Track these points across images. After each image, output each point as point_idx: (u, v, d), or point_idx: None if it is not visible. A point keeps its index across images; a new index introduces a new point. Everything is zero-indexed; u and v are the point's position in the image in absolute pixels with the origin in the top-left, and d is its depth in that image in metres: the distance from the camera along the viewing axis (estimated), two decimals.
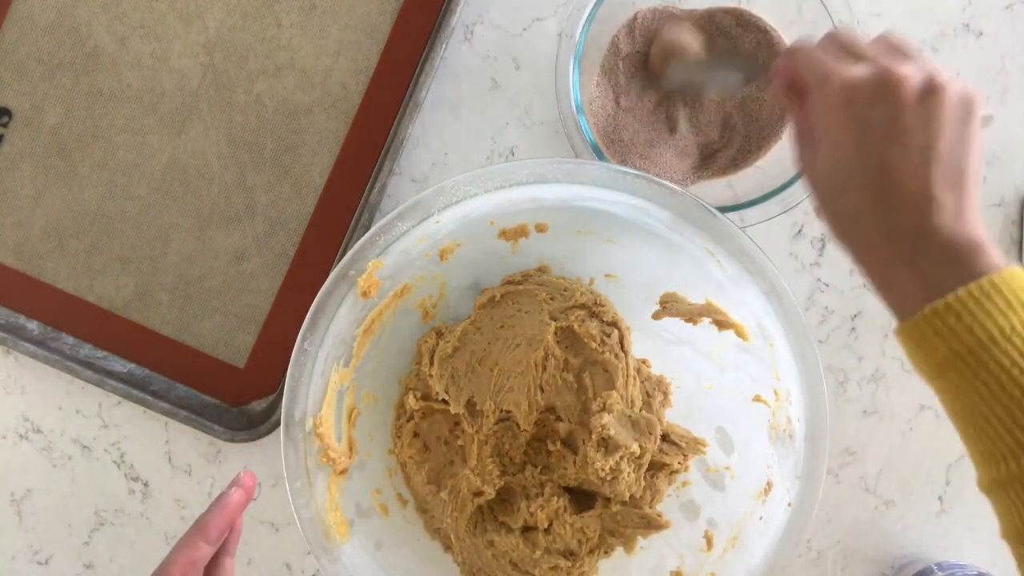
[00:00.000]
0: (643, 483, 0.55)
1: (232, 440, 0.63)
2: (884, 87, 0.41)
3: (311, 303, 0.51)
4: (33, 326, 0.64)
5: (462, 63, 0.64)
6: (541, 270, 0.58)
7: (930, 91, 0.42)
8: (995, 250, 0.40)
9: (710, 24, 0.61)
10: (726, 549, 0.54)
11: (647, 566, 0.57)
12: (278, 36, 0.63)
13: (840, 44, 0.44)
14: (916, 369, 0.43)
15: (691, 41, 0.59)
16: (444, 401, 0.56)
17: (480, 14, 0.63)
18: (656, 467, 0.57)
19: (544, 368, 0.55)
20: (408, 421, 0.58)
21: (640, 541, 0.56)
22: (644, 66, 0.62)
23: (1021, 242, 0.64)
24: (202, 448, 0.65)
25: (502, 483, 0.56)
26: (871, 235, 0.42)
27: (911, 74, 0.42)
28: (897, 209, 0.41)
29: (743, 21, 0.61)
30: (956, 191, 0.41)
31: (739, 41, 0.61)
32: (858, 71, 0.42)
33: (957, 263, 0.40)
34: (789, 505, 0.51)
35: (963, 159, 0.41)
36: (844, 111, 0.42)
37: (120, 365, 0.64)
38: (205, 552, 0.47)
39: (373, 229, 0.50)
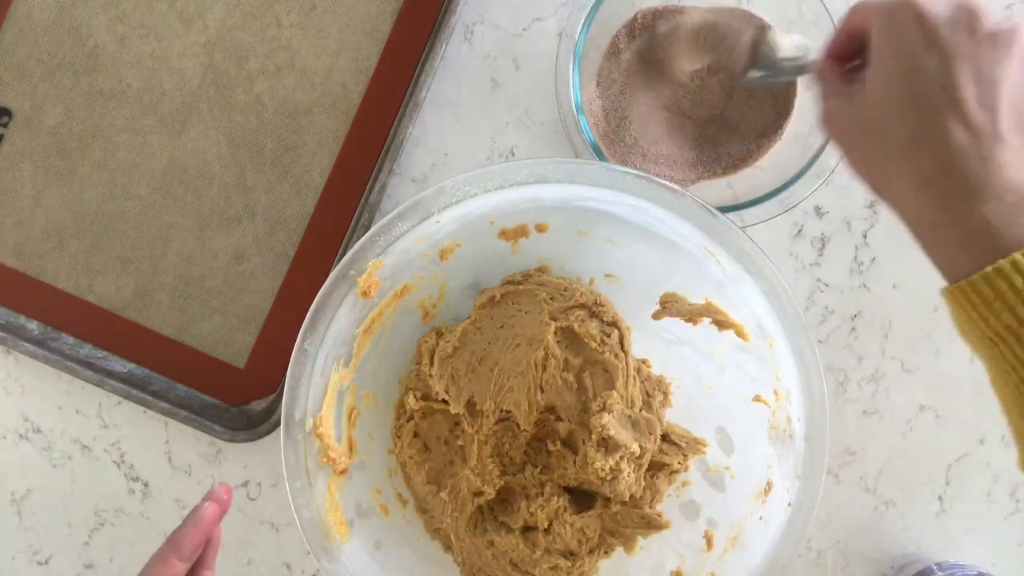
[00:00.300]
0: (643, 483, 0.55)
1: (232, 440, 0.63)
2: (962, 10, 0.39)
3: (311, 303, 0.51)
4: (33, 326, 0.64)
5: (462, 63, 0.64)
6: (541, 270, 0.58)
7: (1009, 31, 0.39)
8: None
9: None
10: (726, 549, 0.54)
11: (647, 566, 0.57)
12: (278, 36, 0.63)
13: None
14: (963, 335, 0.39)
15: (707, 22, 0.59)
16: (444, 401, 0.56)
17: (480, 14, 0.63)
18: (656, 467, 0.57)
19: (544, 368, 0.55)
20: (408, 421, 0.58)
21: (640, 541, 0.56)
22: (644, 66, 0.62)
23: None
24: (202, 448, 0.65)
25: (502, 483, 0.56)
26: (922, 174, 0.38)
27: (988, 15, 0.39)
28: (958, 143, 0.38)
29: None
30: (1022, 131, 0.38)
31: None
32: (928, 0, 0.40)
33: (1021, 211, 0.36)
34: (789, 505, 0.51)
35: None
36: (914, 29, 0.39)
37: (120, 365, 0.64)
38: (179, 569, 0.46)
39: (373, 229, 0.50)
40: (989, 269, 0.36)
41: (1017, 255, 0.35)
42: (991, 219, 0.36)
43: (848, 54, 0.46)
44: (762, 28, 0.57)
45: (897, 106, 0.39)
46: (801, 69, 0.54)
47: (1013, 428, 0.39)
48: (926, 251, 0.40)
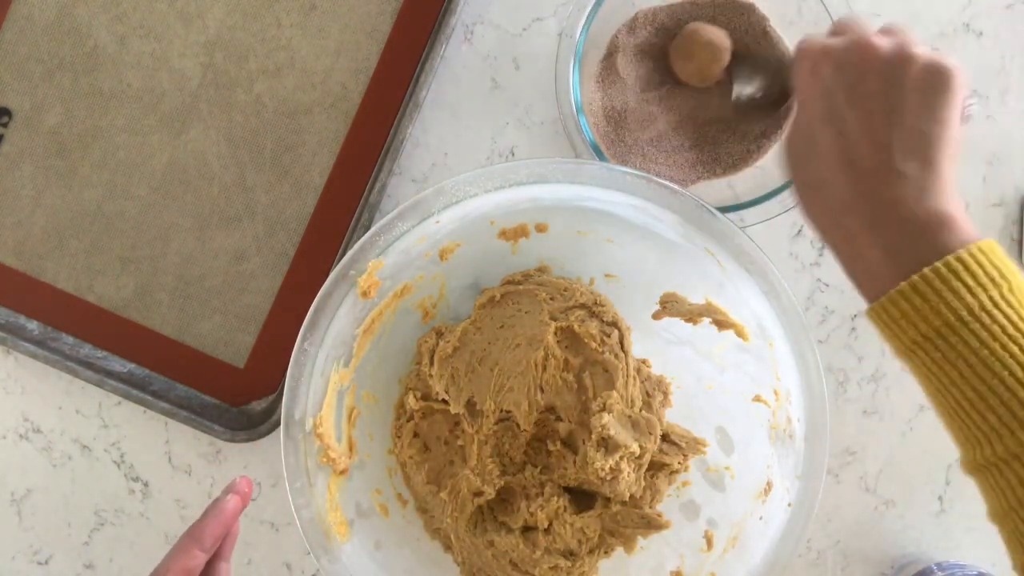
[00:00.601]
0: (643, 483, 0.55)
1: (232, 440, 0.63)
2: (853, 52, 0.41)
3: (311, 303, 0.51)
4: (33, 326, 0.64)
5: (462, 63, 0.64)
6: (541, 270, 0.58)
7: (898, 58, 0.41)
8: (966, 224, 0.39)
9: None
10: (726, 549, 0.54)
11: (647, 566, 0.57)
12: (278, 36, 0.63)
13: (839, 26, 0.45)
14: (890, 349, 0.42)
15: (723, 38, 0.59)
16: (444, 401, 0.56)
17: (480, 14, 0.63)
18: (656, 467, 0.57)
19: (544, 368, 0.55)
20: (408, 421, 0.58)
21: (640, 541, 0.56)
22: (644, 66, 0.62)
23: (1021, 242, 0.64)
24: (202, 448, 0.65)
25: (502, 483, 0.56)
26: (835, 206, 0.41)
27: (883, 43, 0.41)
28: (859, 178, 0.40)
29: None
30: (921, 161, 0.39)
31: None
32: (834, 40, 0.43)
33: (921, 239, 0.39)
34: (789, 505, 0.51)
35: (930, 129, 0.39)
36: (813, 75, 0.42)
37: (120, 365, 0.64)
38: (200, 560, 0.46)
39: (373, 229, 0.50)
40: (893, 291, 0.39)
41: (915, 278, 0.38)
42: (885, 255, 0.40)
43: None
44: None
45: (808, 150, 0.43)
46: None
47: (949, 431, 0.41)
48: (850, 275, 0.43)
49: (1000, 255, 0.39)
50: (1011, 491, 0.38)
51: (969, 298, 0.37)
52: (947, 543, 0.64)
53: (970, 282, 0.37)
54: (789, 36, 0.60)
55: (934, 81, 0.40)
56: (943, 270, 0.38)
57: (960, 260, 0.38)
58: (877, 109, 0.40)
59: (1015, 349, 0.37)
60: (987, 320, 0.37)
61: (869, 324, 0.42)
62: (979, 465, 0.39)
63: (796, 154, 0.44)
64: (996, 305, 0.37)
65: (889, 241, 0.40)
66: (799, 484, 0.51)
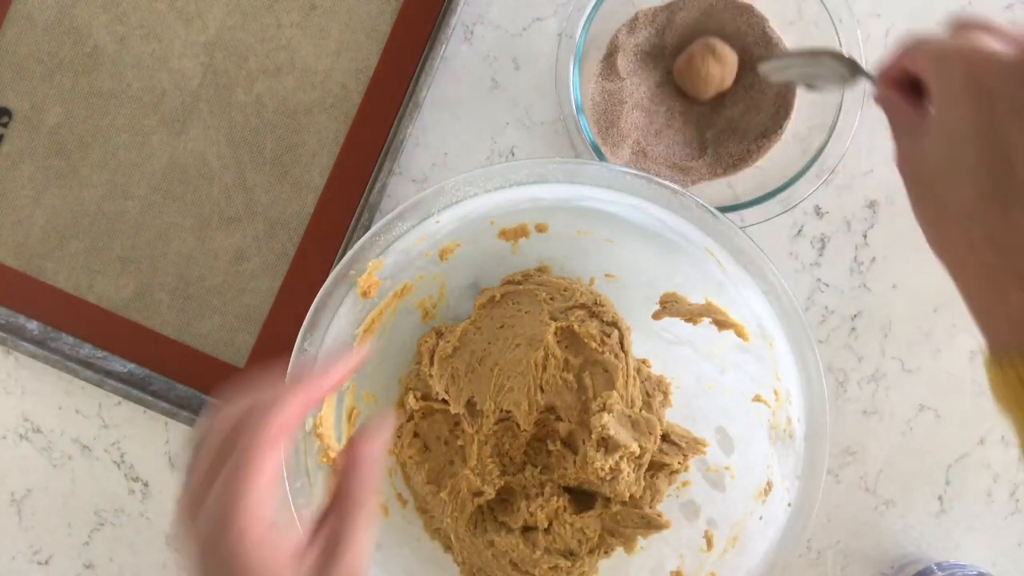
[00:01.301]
0: (643, 483, 0.55)
1: None
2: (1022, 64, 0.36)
3: (311, 303, 0.51)
4: (33, 326, 0.64)
5: (462, 63, 0.64)
6: (541, 270, 0.58)
7: None
8: None
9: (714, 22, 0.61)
10: (726, 549, 0.54)
11: (647, 566, 0.57)
12: (278, 36, 0.63)
13: (975, 25, 0.39)
14: (1005, 407, 0.38)
15: (728, 55, 0.59)
16: (444, 401, 0.56)
17: (480, 14, 0.63)
18: (656, 467, 0.57)
19: (544, 368, 0.55)
20: (408, 421, 0.58)
21: (640, 541, 0.56)
22: (644, 65, 0.62)
23: None
24: None
25: (502, 483, 0.56)
26: (979, 239, 0.37)
27: None
28: (1017, 206, 0.36)
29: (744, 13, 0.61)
30: None
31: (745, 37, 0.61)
32: (993, 45, 0.37)
33: None
34: (789, 505, 0.51)
35: None
36: (970, 86, 0.36)
37: (120, 365, 0.64)
38: (300, 416, 0.37)
39: (373, 229, 0.50)
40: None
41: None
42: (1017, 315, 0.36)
43: (902, 85, 0.43)
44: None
45: (949, 173, 0.38)
46: (843, 77, 0.51)
47: None
48: (974, 317, 0.39)
49: None
50: None
51: None
52: (947, 543, 0.64)
53: None
54: (788, 36, 0.61)
55: None
56: None
57: None
58: None
59: None
60: None
61: (990, 378, 0.38)
62: None
63: (933, 175, 0.38)
64: None
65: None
66: (799, 484, 0.51)
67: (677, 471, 0.57)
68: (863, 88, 0.57)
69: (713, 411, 0.58)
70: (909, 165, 0.41)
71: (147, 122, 0.63)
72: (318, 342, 0.51)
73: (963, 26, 0.39)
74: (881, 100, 0.44)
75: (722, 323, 0.54)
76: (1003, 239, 0.36)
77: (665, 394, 0.58)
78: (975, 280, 0.38)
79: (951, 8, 0.63)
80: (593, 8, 0.57)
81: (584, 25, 0.57)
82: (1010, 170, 0.36)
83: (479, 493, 0.55)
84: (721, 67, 0.58)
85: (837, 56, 0.50)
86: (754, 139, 0.62)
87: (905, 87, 0.42)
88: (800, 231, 0.64)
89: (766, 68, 0.53)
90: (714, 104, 0.62)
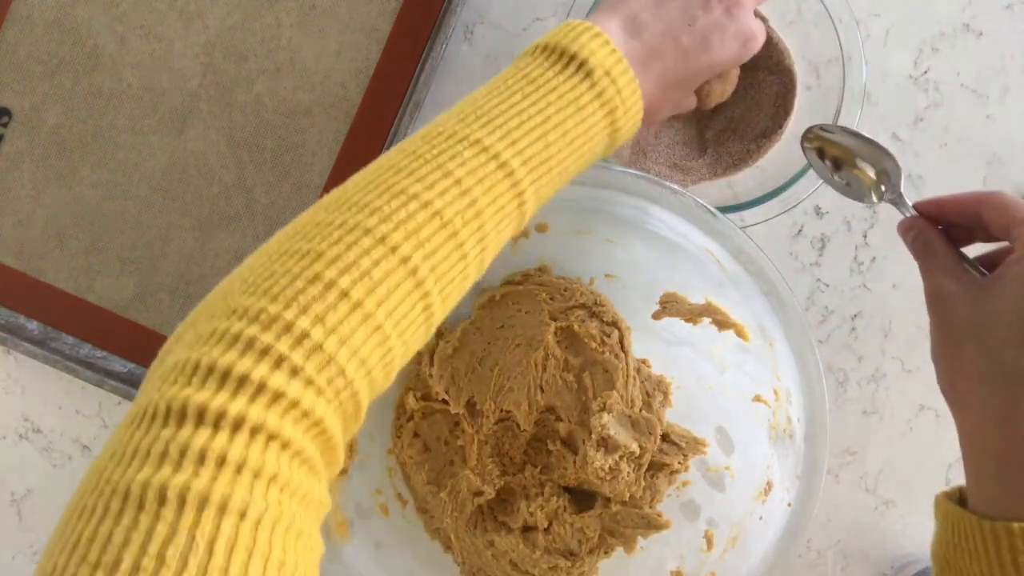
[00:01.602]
0: (643, 483, 0.55)
1: None
2: None
3: None
4: (33, 326, 0.64)
5: (462, 63, 0.64)
6: (541, 270, 0.58)
7: None
8: None
9: None
10: (726, 549, 0.54)
11: (647, 566, 0.57)
12: (278, 36, 0.63)
13: None
14: (949, 554, 0.40)
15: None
16: (444, 401, 0.56)
17: (480, 14, 0.63)
18: (656, 467, 0.57)
19: (544, 368, 0.55)
20: (408, 421, 0.58)
21: (640, 541, 0.56)
22: None
23: None
24: None
25: (502, 483, 0.56)
26: (1010, 414, 0.38)
27: None
28: None
29: None
30: None
31: None
32: None
33: None
34: (789, 505, 0.51)
35: None
36: None
37: (120, 365, 0.64)
38: None
39: None
40: (1015, 526, 0.36)
41: None
42: None
43: (945, 223, 0.45)
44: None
45: (1019, 336, 0.38)
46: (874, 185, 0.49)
47: None
48: (967, 469, 0.40)
49: None
50: None
51: None
52: None
53: None
54: (788, 36, 0.61)
55: None
56: None
57: None
58: None
59: None
60: None
61: (938, 514, 0.41)
62: None
63: (996, 335, 0.39)
64: None
65: None
66: (799, 484, 0.51)
67: (677, 471, 0.57)
68: (863, 88, 0.57)
69: (713, 411, 0.58)
70: (948, 312, 0.41)
71: (147, 122, 0.63)
72: None
73: None
74: (918, 233, 0.45)
75: (722, 323, 0.54)
76: None
77: (665, 394, 0.58)
78: (986, 442, 0.39)
79: (950, 7, 0.63)
80: (593, 8, 0.57)
81: None
82: None
83: (479, 493, 0.55)
84: (722, 83, 0.58)
85: (890, 161, 0.48)
86: (754, 139, 0.62)
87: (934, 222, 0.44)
88: (800, 231, 0.64)
89: (822, 132, 0.51)
90: (715, 105, 0.62)
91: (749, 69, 0.61)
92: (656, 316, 0.56)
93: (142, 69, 0.63)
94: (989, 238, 0.43)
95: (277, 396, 0.31)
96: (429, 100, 0.63)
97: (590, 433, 0.54)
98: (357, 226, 0.35)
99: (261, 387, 0.31)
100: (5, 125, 0.63)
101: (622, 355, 0.55)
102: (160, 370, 0.32)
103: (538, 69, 0.42)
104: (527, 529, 0.56)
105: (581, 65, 0.42)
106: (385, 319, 0.34)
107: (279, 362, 0.31)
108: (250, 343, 0.31)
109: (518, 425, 0.56)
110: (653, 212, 0.51)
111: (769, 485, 0.53)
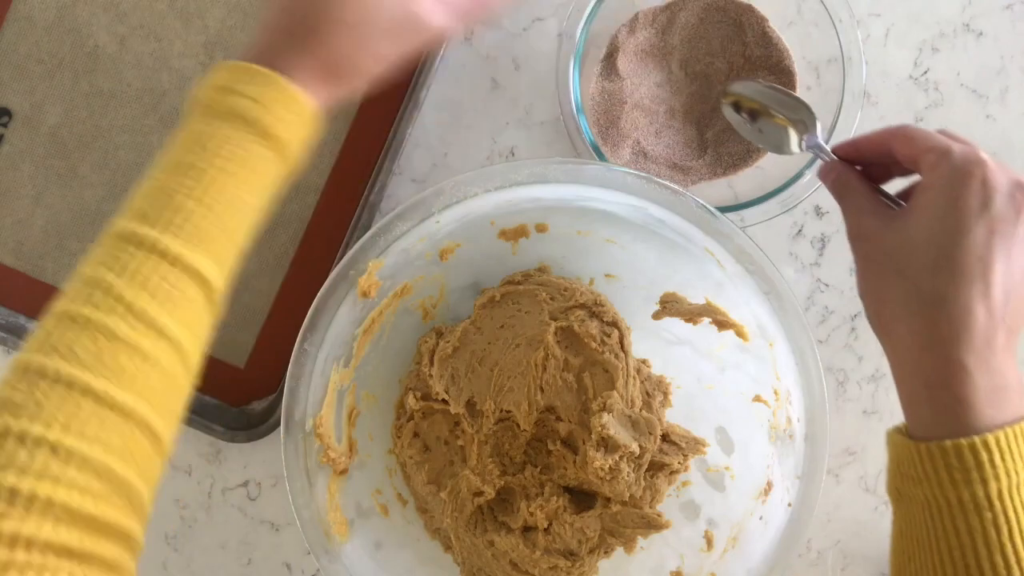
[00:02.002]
0: (643, 483, 0.55)
1: (232, 440, 0.63)
2: (1018, 187, 0.40)
3: (311, 303, 0.51)
4: (33, 326, 0.64)
5: (462, 63, 0.64)
6: (541, 270, 0.58)
7: None
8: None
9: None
10: (726, 549, 0.54)
11: (647, 566, 0.57)
12: None
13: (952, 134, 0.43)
14: (899, 484, 0.42)
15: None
16: (444, 401, 0.56)
17: None
18: (656, 467, 0.57)
19: (544, 368, 0.55)
20: (408, 421, 0.58)
21: (640, 541, 0.56)
22: (645, 66, 0.62)
23: None
24: (202, 448, 0.65)
25: (502, 483, 0.56)
26: (931, 335, 0.40)
27: None
28: (976, 319, 0.39)
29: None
30: (1019, 321, 0.40)
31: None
32: (998, 163, 0.41)
33: (1003, 396, 0.39)
34: (789, 505, 0.51)
35: None
36: (976, 191, 0.39)
37: None
38: None
39: (373, 229, 0.50)
40: (964, 442, 0.38)
41: (990, 437, 0.38)
42: (975, 397, 0.39)
43: (862, 162, 0.47)
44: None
45: (934, 261, 0.40)
46: (793, 137, 0.52)
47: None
48: (901, 394, 0.42)
49: None
50: None
51: (1019, 472, 0.38)
52: None
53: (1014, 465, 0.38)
54: (788, 36, 0.61)
55: None
56: (1013, 436, 0.38)
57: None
58: (1015, 258, 0.40)
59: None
60: (1019, 499, 0.38)
61: (889, 449, 0.42)
62: None
63: (904, 260, 0.41)
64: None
65: (974, 387, 0.39)
66: (799, 484, 0.51)
67: (677, 471, 0.57)
68: (863, 88, 0.57)
69: (713, 411, 0.58)
70: (869, 246, 0.43)
71: (147, 122, 0.63)
72: (318, 342, 0.51)
73: (945, 133, 0.43)
74: (837, 175, 0.47)
75: (722, 323, 0.54)
76: (959, 331, 0.39)
77: (665, 394, 0.58)
78: (916, 365, 0.41)
79: (950, 7, 0.63)
80: (593, 8, 0.57)
81: (584, 25, 0.57)
82: (985, 275, 0.39)
83: (479, 493, 0.55)
84: None
85: (805, 110, 0.51)
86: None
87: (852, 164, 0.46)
88: (800, 231, 0.64)
89: (736, 87, 0.55)
90: (714, 104, 0.62)
91: (749, 69, 0.61)
92: (656, 316, 0.56)
93: (142, 69, 0.63)
94: (904, 172, 0.45)
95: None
96: (429, 100, 0.63)
97: (590, 433, 0.54)
98: (52, 374, 0.37)
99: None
100: (5, 125, 0.63)
101: (622, 355, 0.55)
102: None
103: (186, 121, 0.42)
104: (527, 529, 0.56)
105: (191, 103, 0.42)
106: (86, 445, 0.36)
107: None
108: None
109: (518, 425, 0.56)
110: (653, 212, 0.51)
111: (769, 485, 0.53)
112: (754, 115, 0.54)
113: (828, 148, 0.48)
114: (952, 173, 0.40)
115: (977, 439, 0.38)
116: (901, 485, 0.41)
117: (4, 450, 0.34)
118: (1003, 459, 0.38)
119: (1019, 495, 0.38)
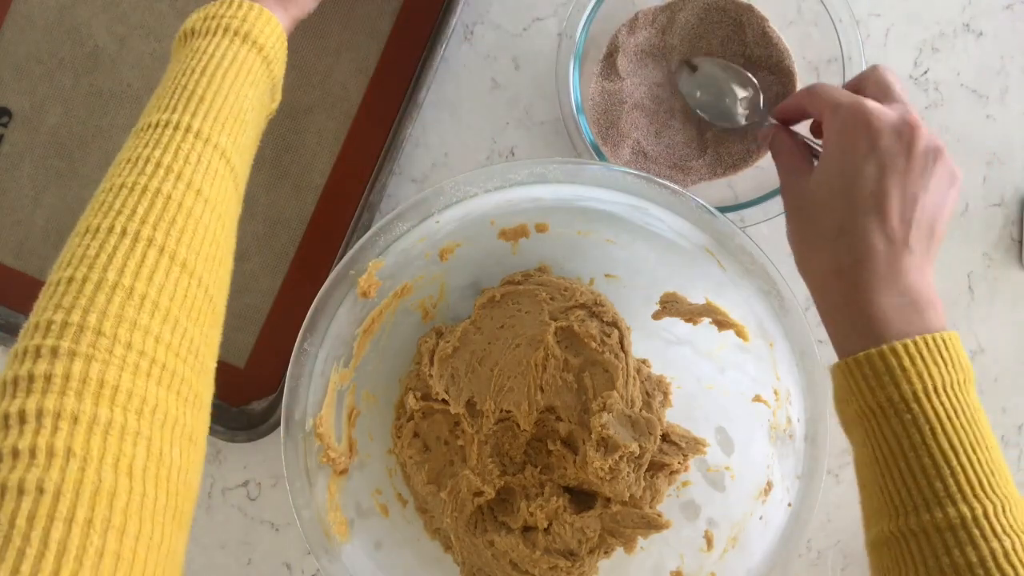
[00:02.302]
0: (643, 483, 0.55)
1: (232, 440, 0.63)
2: (905, 124, 0.44)
3: (311, 303, 0.51)
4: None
5: (462, 63, 0.64)
6: (541, 270, 0.58)
7: (934, 152, 0.45)
8: (942, 310, 0.44)
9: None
10: (726, 549, 0.54)
11: (647, 566, 0.57)
12: None
13: (873, 80, 0.48)
14: (840, 410, 0.44)
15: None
16: (444, 401, 0.56)
17: (480, 14, 0.63)
18: (656, 467, 0.57)
19: (544, 368, 0.55)
20: (408, 421, 0.58)
21: (640, 541, 0.56)
22: (644, 66, 0.62)
23: (1021, 242, 0.64)
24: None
25: (502, 483, 0.56)
26: (837, 263, 0.44)
27: (926, 132, 0.45)
28: (874, 245, 0.44)
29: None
30: (926, 245, 0.44)
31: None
32: (884, 107, 0.45)
33: (912, 311, 0.43)
34: (789, 505, 0.51)
35: (937, 220, 0.45)
36: (862, 134, 0.45)
37: None
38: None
39: (373, 229, 0.50)
40: (874, 351, 0.42)
41: (897, 344, 0.41)
42: (884, 313, 0.43)
43: (789, 122, 0.53)
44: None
45: (830, 199, 0.45)
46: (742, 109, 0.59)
47: (864, 505, 0.44)
48: (827, 328, 0.46)
49: (962, 349, 0.43)
50: (912, 565, 0.40)
51: (945, 373, 0.41)
52: None
53: (949, 358, 0.41)
54: (788, 36, 0.61)
55: (951, 180, 0.46)
56: (931, 343, 0.41)
57: (944, 338, 0.42)
58: (910, 187, 0.44)
59: (956, 438, 0.40)
60: (953, 399, 0.41)
61: (832, 380, 0.45)
62: (886, 537, 0.41)
63: (816, 200, 0.46)
64: (951, 389, 0.41)
65: (883, 304, 0.43)
66: (799, 484, 0.51)
67: (677, 471, 0.57)
68: None
69: (713, 411, 0.58)
70: (792, 196, 0.49)
71: None
72: (318, 342, 0.51)
73: (867, 79, 0.48)
74: (774, 138, 0.52)
75: (722, 323, 0.54)
76: (860, 260, 0.44)
77: (665, 394, 0.58)
78: (830, 294, 0.45)
79: (950, 7, 0.63)
80: (593, 8, 0.57)
81: (584, 25, 0.57)
82: (879, 209, 0.44)
83: (479, 493, 0.55)
84: None
85: (752, 85, 0.58)
86: (754, 139, 0.62)
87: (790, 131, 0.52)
88: None
89: (696, 61, 0.60)
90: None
91: (749, 69, 0.61)
92: (656, 316, 0.56)
93: (142, 69, 0.63)
94: None
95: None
96: (429, 100, 0.63)
97: (590, 433, 0.54)
98: (109, 230, 0.40)
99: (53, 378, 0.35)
100: (5, 125, 0.63)
101: (622, 355, 0.55)
102: None
103: (182, 48, 0.48)
104: (527, 529, 0.56)
105: (186, 33, 0.49)
106: (147, 287, 0.38)
107: (71, 355, 0.35)
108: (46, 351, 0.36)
109: (518, 425, 0.56)
110: (653, 212, 0.51)
111: (769, 485, 0.53)
112: (708, 91, 0.60)
113: (768, 115, 0.54)
114: (841, 124, 0.45)
115: (885, 347, 0.41)
116: (841, 410, 0.44)
117: (83, 294, 0.36)
118: (913, 363, 0.41)
119: (936, 397, 0.40)
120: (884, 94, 0.47)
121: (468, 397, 0.56)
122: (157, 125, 0.43)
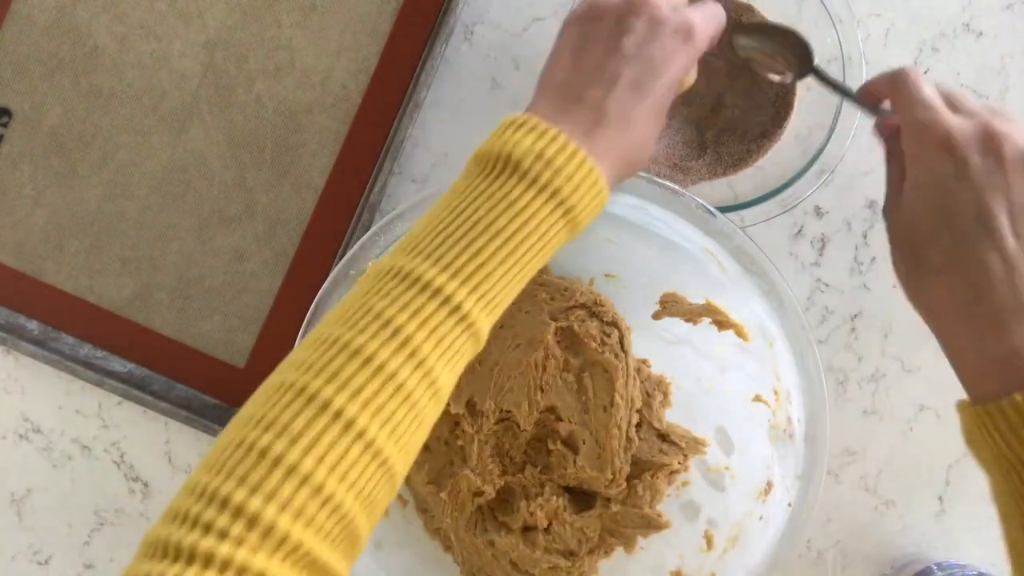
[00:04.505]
0: (644, 483, 0.55)
1: None
2: (988, 135, 0.40)
3: (311, 303, 0.51)
4: (33, 326, 0.64)
5: (462, 63, 0.64)
6: (541, 270, 0.58)
7: None
8: None
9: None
10: (726, 549, 0.54)
11: (647, 566, 0.57)
12: (278, 36, 0.63)
13: (944, 94, 0.43)
14: (974, 451, 0.41)
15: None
16: None
17: (480, 14, 0.63)
18: (656, 467, 0.57)
19: (544, 368, 0.55)
20: None
21: (640, 541, 0.56)
22: None
23: None
24: (202, 448, 0.65)
25: (502, 483, 0.56)
26: (955, 298, 0.40)
27: (1010, 135, 0.41)
28: (993, 272, 0.39)
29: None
30: None
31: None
32: (960, 120, 0.41)
33: None
34: (789, 505, 0.51)
35: None
36: (943, 156, 0.40)
37: (120, 365, 0.64)
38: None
39: (373, 229, 0.50)
40: (1018, 396, 0.37)
41: None
42: (1019, 346, 0.38)
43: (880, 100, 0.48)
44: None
45: (932, 232, 0.41)
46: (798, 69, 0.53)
47: (1008, 538, 0.41)
48: (953, 366, 0.42)
49: None
50: None
51: None
52: (947, 543, 0.64)
53: None
54: None
55: None
56: None
57: None
58: (1018, 203, 0.40)
59: None
60: None
61: (961, 420, 0.42)
62: None
63: (912, 235, 0.42)
64: None
65: (1016, 337, 0.38)
66: (799, 484, 0.51)
67: (677, 471, 0.57)
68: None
69: (713, 411, 0.58)
70: (891, 217, 0.45)
71: (147, 122, 0.63)
72: None
73: (955, 100, 0.43)
74: (889, 138, 0.47)
75: (722, 323, 0.54)
76: (979, 295, 0.39)
77: (665, 394, 0.58)
78: (953, 331, 0.41)
79: (950, 7, 0.63)
80: None
81: None
82: (986, 234, 0.39)
83: (479, 493, 0.55)
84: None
85: (805, 43, 0.52)
86: (754, 139, 0.62)
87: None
88: (800, 231, 0.64)
89: (738, 39, 0.55)
90: (714, 104, 0.62)
91: (750, 69, 0.61)
92: (656, 316, 0.56)
93: (142, 69, 0.63)
94: None
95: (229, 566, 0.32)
96: (429, 100, 0.63)
97: (590, 433, 0.54)
98: (314, 397, 0.34)
99: (216, 561, 0.32)
100: (5, 125, 0.63)
101: (622, 355, 0.55)
102: (150, 532, 0.34)
103: (469, 183, 0.41)
104: (527, 529, 0.56)
105: (508, 161, 0.40)
106: (337, 485, 0.34)
107: (238, 541, 0.32)
108: (207, 526, 0.32)
109: (518, 425, 0.56)
110: (653, 212, 0.51)
111: (769, 485, 0.53)
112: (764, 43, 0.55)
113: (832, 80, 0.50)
114: (918, 149, 0.41)
115: (1017, 395, 0.37)
116: (973, 446, 0.41)
117: (257, 470, 0.33)
118: None
119: None
120: (951, 102, 0.43)
121: (468, 397, 0.56)
122: (420, 281, 0.36)
